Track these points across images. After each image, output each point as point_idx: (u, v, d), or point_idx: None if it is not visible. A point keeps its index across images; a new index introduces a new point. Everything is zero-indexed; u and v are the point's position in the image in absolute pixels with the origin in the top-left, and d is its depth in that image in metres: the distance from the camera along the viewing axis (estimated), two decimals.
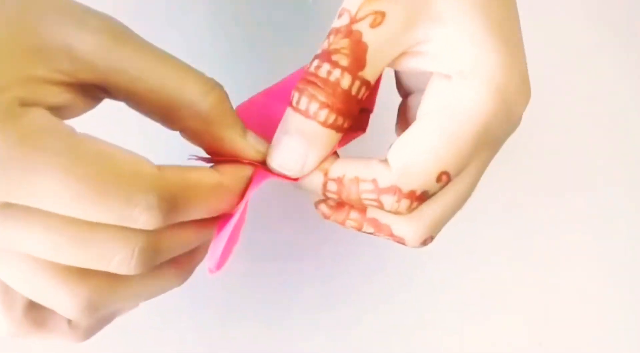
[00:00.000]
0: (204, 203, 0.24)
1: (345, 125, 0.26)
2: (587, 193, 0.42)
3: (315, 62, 0.26)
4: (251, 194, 0.26)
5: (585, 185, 0.43)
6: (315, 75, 0.25)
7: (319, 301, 0.39)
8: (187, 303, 0.38)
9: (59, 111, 0.23)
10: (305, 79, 0.26)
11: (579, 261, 0.42)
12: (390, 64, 0.27)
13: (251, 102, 0.29)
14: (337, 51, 0.25)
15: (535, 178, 0.42)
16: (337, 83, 0.25)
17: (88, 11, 0.22)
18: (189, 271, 0.27)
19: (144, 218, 0.22)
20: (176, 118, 0.24)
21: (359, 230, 0.28)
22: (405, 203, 0.26)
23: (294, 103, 0.26)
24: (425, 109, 0.26)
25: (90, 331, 0.28)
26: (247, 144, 0.26)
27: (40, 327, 0.27)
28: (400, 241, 0.28)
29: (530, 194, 0.42)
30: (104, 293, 0.24)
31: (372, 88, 0.27)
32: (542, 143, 0.42)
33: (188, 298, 0.38)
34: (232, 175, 0.25)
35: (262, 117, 0.29)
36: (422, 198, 0.26)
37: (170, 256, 0.25)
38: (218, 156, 0.26)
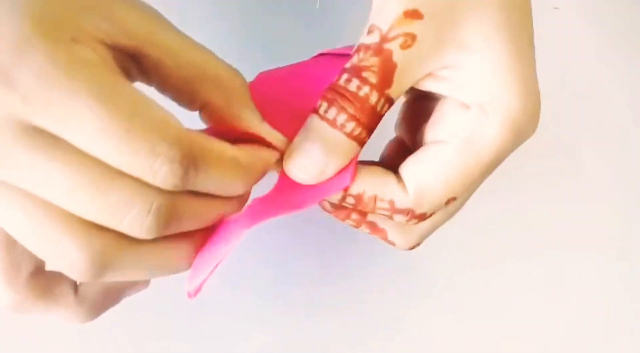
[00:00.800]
0: (221, 172, 0.24)
1: (366, 139, 0.27)
2: (592, 196, 0.43)
3: (345, 76, 0.26)
4: (242, 234, 0.26)
5: (589, 186, 0.43)
6: (345, 88, 0.26)
7: (320, 303, 0.39)
8: (186, 304, 0.39)
9: None
10: (334, 90, 0.27)
11: (584, 263, 0.42)
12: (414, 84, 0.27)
13: (265, 78, 0.30)
14: (367, 68, 0.26)
15: (539, 180, 0.42)
16: (366, 99, 0.26)
17: None
18: (197, 250, 0.27)
19: (164, 171, 0.22)
20: (199, 93, 0.25)
21: (357, 228, 0.29)
22: (414, 221, 0.28)
23: (320, 111, 0.27)
24: (441, 135, 0.27)
25: (96, 309, 0.28)
26: (264, 128, 0.27)
27: (44, 297, 0.26)
28: (391, 244, 0.30)
29: (535, 197, 0.42)
30: (113, 252, 0.23)
31: None
32: (547, 144, 0.43)
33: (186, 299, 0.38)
34: (251, 154, 0.26)
35: (273, 99, 0.29)
36: (428, 217, 0.28)
37: (183, 228, 0.25)
38: (239, 135, 0.27)
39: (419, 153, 0.28)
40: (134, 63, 0.25)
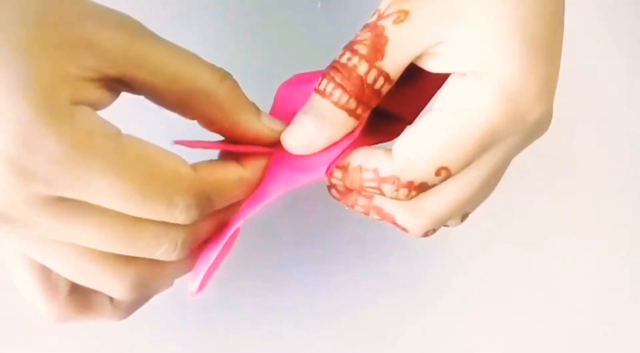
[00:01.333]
0: (231, 195, 0.27)
1: (359, 112, 0.27)
2: (596, 196, 0.43)
3: (341, 52, 0.27)
4: (238, 223, 0.28)
5: (594, 187, 0.43)
6: (338, 61, 0.27)
7: (319, 307, 0.39)
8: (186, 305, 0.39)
9: (95, 109, 0.24)
10: (330, 65, 0.27)
11: (588, 265, 0.42)
12: (414, 60, 0.27)
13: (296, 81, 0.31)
14: (359, 42, 0.27)
15: (541, 180, 0.42)
16: (353, 68, 0.26)
17: (106, 10, 0.24)
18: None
19: (184, 217, 0.24)
20: (193, 107, 0.26)
21: (367, 215, 0.30)
22: (403, 191, 0.27)
23: (317, 86, 0.27)
24: (436, 104, 0.27)
25: (132, 308, 0.30)
26: (263, 125, 0.27)
27: (84, 309, 0.29)
28: (404, 230, 0.30)
29: (538, 198, 0.42)
30: (148, 275, 0.27)
31: (412, 98, 0.29)
32: (555, 145, 0.42)
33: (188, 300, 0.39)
34: (252, 166, 0.28)
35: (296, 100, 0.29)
36: (420, 188, 0.27)
37: (201, 241, 0.28)
38: (234, 140, 0.28)
39: (413, 124, 0.28)
40: (125, 86, 0.25)
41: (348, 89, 0.27)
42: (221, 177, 0.26)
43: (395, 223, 0.29)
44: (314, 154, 0.29)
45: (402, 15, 0.26)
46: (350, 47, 0.27)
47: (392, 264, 0.40)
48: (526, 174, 0.42)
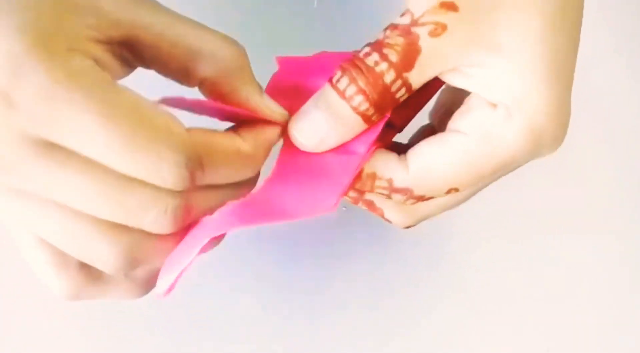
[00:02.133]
0: (227, 166, 0.25)
1: (374, 119, 0.26)
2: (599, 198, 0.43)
3: (366, 49, 0.26)
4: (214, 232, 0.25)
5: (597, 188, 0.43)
6: (363, 61, 0.26)
7: (319, 307, 0.39)
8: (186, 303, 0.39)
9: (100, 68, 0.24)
10: (351, 61, 0.26)
11: (587, 260, 0.42)
12: (438, 76, 0.27)
13: (293, 60, 0.30)
14: (390, 46, 0.25)
15: (543, 180, 0.42)
16: (380, 75, 0.25)
17: None
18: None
19: (173, 176, 0.23)
20: (197, 70, 0.25)
21: (355, 204, 0.30)
22: (411, 201, 0.28)
23: (334, 80, 0.26)
24: (462, 125, 0.27)
25: (146, 285, 0.29)
26: (264, 102, 0.27)
27: (96, 282, 0.27)
28: (388, 221, 0.30)
29: (537, 194, 0.42)
30: (142, 246, 0.25)
31: (405, 105, 0.27)
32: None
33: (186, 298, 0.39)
34: (254, 139, 0.26)
35: (295, 82, 0.29)
36: (426, 200, 0.28)
37: (198, 217, 0.26)
38: (234, 113, 0.27)
39: (433, 137, 0.27)
40: (130, 51, 0.25)
41: (370, 97, 0.26)
42: (216, 142, 0.25)
43: (382, 216, 0.30)
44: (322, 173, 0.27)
45: (440, 29, 0.25)
46: (378, 49, 0.26)
47: (390, 262, 0.40)
48: (527, 172, 0.42)
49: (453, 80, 0.27)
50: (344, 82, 0.26)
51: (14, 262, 0.36)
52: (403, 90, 0.26)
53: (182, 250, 0.26)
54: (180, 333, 0.38)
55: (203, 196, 0.26)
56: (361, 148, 0.27)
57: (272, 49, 0.36)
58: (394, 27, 0.26)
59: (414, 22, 0.25)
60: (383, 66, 0.25)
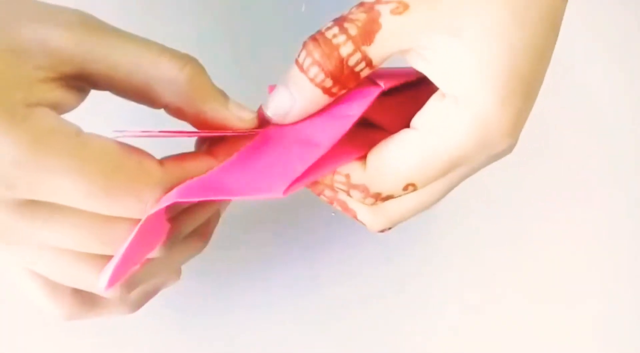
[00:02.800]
0: None
1: (335, 90, 0.27)
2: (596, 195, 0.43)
3: (328, 24, 0.26)
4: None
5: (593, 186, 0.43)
6: (322, 34, 0.26)
7: (309, 306, 0.39)
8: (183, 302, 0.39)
9: (56, 109, 0.23)
10: (312, 35, 0.27)
11: (590, 263, 0.42)
12: (402, 56, 0.27)
13: None
14: (351, 21, 0.26)
15: (542, 179, 0.43)
16: (336, 47, 0.26)
17: (56, 8, 0.24)
18: (208, 236, 0.30)
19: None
20: (157, 96, 0.25)
21: (331, 205, 0.30)
22: (370, 200, 0.28)
23: (296, 56, 0.27)
24: (415, 122, 0.27)
25: (137, 304, 0.30)
26: (230, 114, 0.27)
27: (90, 306, 0.28)
28: (361, 224, 0.31)
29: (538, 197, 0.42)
30: (133, 271, 0.26)
31: (396, 108, 0.28)
32: (558, 142, 0.43)
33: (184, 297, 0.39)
34: (224, 156, 0.27)
35: None
36: (386, 199, 0.29)
37: (189, 232, 0.28)
38: (205, 129, 0.27)
39: (392, 136, 0.28)
40: (85, 81, 0.25)
41: (325, 68, 0.26)
42: (190, 171, 0.25)
43: (356, 218, 0.30)
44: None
45: (401, 8, 0.25)
46: (339, 23, 0.26)
47: (380, 262, 0.40)
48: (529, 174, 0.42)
49: (413, 61, 0.27)
50: (302, 56, 0.26)
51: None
52: (363, 64, 0.26)
53: (133, 241, 0.25)
54: (175, 334, 0.38)
55: (188, 214, 0.27)
56: (326, 142, 0.27)
57: (260, 53, 0.36)
58: (360, 4, 0.26)
59: (379, 1, 0.26)
60: (340, 38, 0.26)
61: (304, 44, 0.27)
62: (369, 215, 0.30)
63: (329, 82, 0.26)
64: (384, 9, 0.26)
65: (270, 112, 0.28)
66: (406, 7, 0.25)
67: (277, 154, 0.28)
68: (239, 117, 0.27)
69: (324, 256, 0.40)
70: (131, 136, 0.24)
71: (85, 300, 0.28)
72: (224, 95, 0.27)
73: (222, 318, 0.39)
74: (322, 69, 0.26)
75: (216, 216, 0.31)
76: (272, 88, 0.30)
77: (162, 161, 0.25)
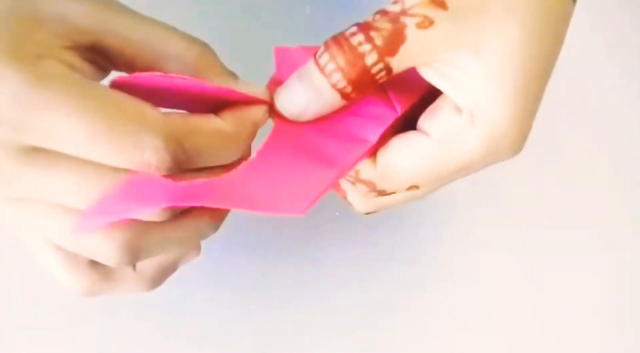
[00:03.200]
0: (209, 147, 0.25)
1: (353, 96, 0.27)
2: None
3: (353, 29, 0.26)
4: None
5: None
6: (347, 39, 0.26)
7: (303, 303, 0.39)
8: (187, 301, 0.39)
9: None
10: (336, 38, 0.27)
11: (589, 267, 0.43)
12: (417, 67, 0.27)
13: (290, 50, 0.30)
14: (377, 29, 0.26)
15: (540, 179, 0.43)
16: (361, 56, 0.26)
17: None
18: (221, 217, 0.29)
19: (155, 161, 0.23)
20: (167, 70, 0.26)
21: None
22: (373, 194, 0.29)
23: (317, 55, 0.27)
24: (429, 127, 0.28)
25: (155, 279, 0.30)
26: (241, 86, 0.27)
27: (107, 279, 0.28)
28: (348, 205, 0.32)
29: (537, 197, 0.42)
30: (140, 236, 0.26)
31: (408, 86, 0.28)
32: (556, 142, 0.43)
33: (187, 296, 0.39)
34: (235, 118, 0.26)
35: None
36: (388, 194, 0.30)
37: (195, 200, 0.26)
38: (212, 93, 0.26)
39: (402, 136, 0.29)
40: (100, 56, 0.25)
41: (348, 76, 0.26)
42: (194, 123, 0.25)
43: (345, 198, 0.31)
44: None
45: (427, 22, 0.26)
46: (365, 31, 0.26)
47: (383, 262, 0.40)
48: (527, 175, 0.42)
49: (430, 77, 0.27)
50: (324, 58, 0.26)
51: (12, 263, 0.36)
52: (383, 73, 0.27)
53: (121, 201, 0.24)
54: (171, 334, 0.39)
55: (193, 179, 0.26)
56: (348, 159, 0.28)
57: (265, 55, 0.36)
58: (384, 13, 0.26)
59: (404, 12, 0.26)
60: (366, 47, 0.26)
61: (327, 46, 0.27)
62: (358, 199, 0.31)
63: (349, 88, 0.27)
64: (410, 22, 0.26)
65: (284, 109, 0.28)
66: (431, 22, 0.26)
67: (294, 167, 0.28)
68: (250, 88, 0.27)
69: (326, 255, 0.40)
70: (136, 79, 0.24)
71: (104, 273, 0.28)
72: (233, 75, 0.27)
73: (222, 317, 0.39)
74: (345, 76, 0.26)
75: None
76: (278, 51, 0.30)
77: (166, 114, 0.24)
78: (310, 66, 0.27)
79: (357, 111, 0.29)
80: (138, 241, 0.26)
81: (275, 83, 0.29)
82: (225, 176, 0.26)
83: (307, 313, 0.39)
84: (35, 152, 0.23)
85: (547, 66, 0.27)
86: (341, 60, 0.26)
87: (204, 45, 0.26)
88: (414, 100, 0.29)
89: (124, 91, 0.24)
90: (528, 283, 0.42)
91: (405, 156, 0.28)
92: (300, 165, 0.28)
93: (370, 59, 0.26)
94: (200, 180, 0.25)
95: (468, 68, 0.26)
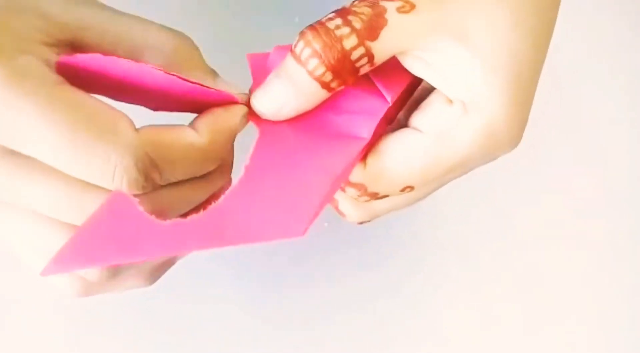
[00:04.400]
0: (183, 162, 0.24)
1: (334, 85, 0.26)
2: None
3: (330, 14, 0.25)
4: None
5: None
6: (323, 24, 0.25)
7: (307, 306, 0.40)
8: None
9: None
10: (311, 25, 0.25)
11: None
12: (399, 58, 0.26)
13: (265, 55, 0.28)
14: (355, 14, 0.25)
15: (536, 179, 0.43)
16: (339, 39, 0.25)
17: None
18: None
19: (125, 181, 0.23)
20: (147, 62, 0.25)
21: None
22: (365, 198, 0.28)
23: (293, 47, 0.26)
24: (418, 122, 0.27)
25: (154, 272, 0.28)
26: (218, 84, 0.26)
27: (104, 278, 0.27)
28: (341, 215, 0.31)
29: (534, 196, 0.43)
30: None
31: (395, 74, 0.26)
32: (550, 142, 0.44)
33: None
34: (209, 130, 0.25)
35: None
36: (381, 198, 0.28)
37: (175, 214, 0.25)
38: (192, 106, 0.25)
39: (392, 134, 0.27)
40: (78, 52, 0.24)
41: (326, 61, 0.25)
42: (166, 138, 0.24)
43: (337, 208, 0.30)
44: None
45: (408, 7, 0.25)
46: (342, 15, 0.25)
47: (372, 264, 0.41)
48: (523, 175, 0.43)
49: (415, 68, 0.26)
50: (300, 46, 0.25)
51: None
52: (365, 59, 0.25)
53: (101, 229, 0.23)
54: (165, 334, 0.40)
55: (171, 193, 0.25)
56: (342, 162, 0.26)
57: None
58: None
59: None
60: (344, 30, 0.25)
61: (302, 34, 0.25)
62: (351, 207, 0.30)
63: (328, 76, 0.25)
64: (389, 6, 0.25)
65: (263, 107, 0.26)
66: (413, 6, 0.25)
67: (285, 183, 0.25)
68: (227, 86, 0.26)
69: (316, 259, 0.40)
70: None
71: (97, 272, 0.26)
72: (213, 72, 0.26)
73: (212, 320, 0.39)
74: (323, 62, 0.25)
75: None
76: (252, 58, 0.28)
77: (138, 129, 0.24)
78: (287, 58, 0.26)
79: (345, 107, 0.27)
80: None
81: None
82: (212, 208, 0.24)
83: (295, 314, 0.39)
84: (11, 154, 0.23)
85: (539, 54, 0.26)
86: (317, 45, 0.25)
87: (185, 38, 0.26)
88: (403, 87, 0.28)
89: (72, 75, 0.23)
90: (527, 283, 0.42)
91: (397, 153, 0.27)
92: (291, 179, 0.26)
93: (350, 42, 0.25)
94: (187, 219, 0.24)
95: (454, 55, 0.25)
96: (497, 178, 0.37)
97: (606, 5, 0.47)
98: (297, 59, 0.25)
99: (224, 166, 0.27)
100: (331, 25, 0.25)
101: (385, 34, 0.25)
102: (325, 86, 0.25)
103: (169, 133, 0.24)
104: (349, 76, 0.25)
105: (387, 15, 0.25)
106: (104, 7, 0.25)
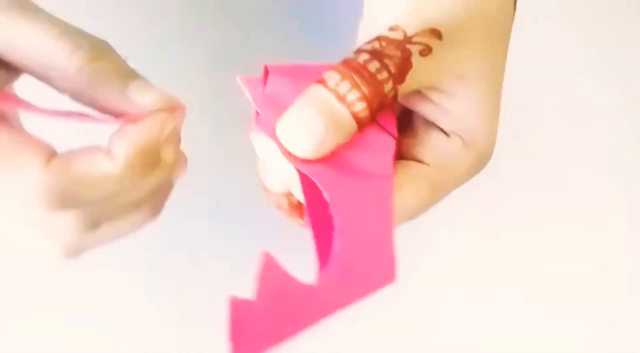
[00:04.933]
0: (98, 193, 0.24)
1: (366, 125, 0.27)
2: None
3: (365, 56, 0.26)
4: None
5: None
6: (365, 67, 0.26)
7: None
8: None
9: None
10: (350, 65, 0.26)
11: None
12: (403, 97, 0.27)
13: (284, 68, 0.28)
14: (389, 57, 0.26)
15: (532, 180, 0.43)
16: (381, 83, 0.26)
17: None
18: (161, 205, 0.27)
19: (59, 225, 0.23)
20: (52, 82, 0.24)
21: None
22: None
23: (330, 84, 0.25)
24: (423, 154, 0.29)
25: (155, 200, 0.27)
26: (125, 99, 0.24)
27: (87, 228, 0.26)
28: None
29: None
30: (79, 235, 0.24)
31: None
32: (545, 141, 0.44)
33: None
34: (125, 151, 0.24)
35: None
36: None
37: (112, 239, 0.26)
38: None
39: (401, 168, 0.28)
40: (4, 70, 0.24)
41: (372, 105, 0.26)
42: (78, 171, 0.23)
43: None
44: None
45: (427, 50, 0.27)
46: (379, 58, 0.26)
47: None
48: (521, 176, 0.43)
49: (418, 106, 0.29)
50: (344, 87, 0.25)
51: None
52: (390, 100, 0.27)
53: None
54: (163, 334, 0.40)
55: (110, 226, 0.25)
56: (387, 205, 0.26)
57: (253, 72, 0.36)
58: (389, 41, 0.26)
59: (408, 40, 0.27)
60: (384, 74, 0.26)
61: (343, 73, 0.25)
62: None
63: (368, 119, 0.26)
64: (414, 49, 0.26)
65: (304, 146, 0.25)
66: (430, 49, 0.27)
67: (365, 230, 0.25)
68: (138, 103, 0.24)
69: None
70: None
71: (89, 212, 0.25)
72: (129, 76, 0.24)
73: (212, 320, 0.39)
74: (369, 106, 0.26)
75: (168, 186, 0.28)
76: (248, 81, 0.27)
77: (55, 159, 0.23)
78: (324, 95, 0.25)
79: (359, 144, 0.27)
80: (76, 240, 0.25)
81: (261, 118, 0.27)
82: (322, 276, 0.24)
83: None
84: None
85: (503, 72, 0.29)
86: (365, 89, 0.25)
87: (91, 49, 0.24)
88: (394, 121, 0.29)
89: None
90: (527, 283, 0.42)
91: (410, 186, 0.28)
92: (367, 225, 0.26)
93: (387, 87, 0.26)
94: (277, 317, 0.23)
95: (456, 93, 0.28)
96: (497, 177, 0.37)
97: (606, 6, 0.47)
98: (341, 98, 0.25)
99: (175, 166, 0.26)
100: (372, 68, 0.25)
101: (409, 77, 0.26)
102: (362, 125, 0.26)
103: (81, 162, 0.23)
104: (378, 113, 0.27)
105: (413, 59, 0.26)
106: (16, 17, 0.23)
